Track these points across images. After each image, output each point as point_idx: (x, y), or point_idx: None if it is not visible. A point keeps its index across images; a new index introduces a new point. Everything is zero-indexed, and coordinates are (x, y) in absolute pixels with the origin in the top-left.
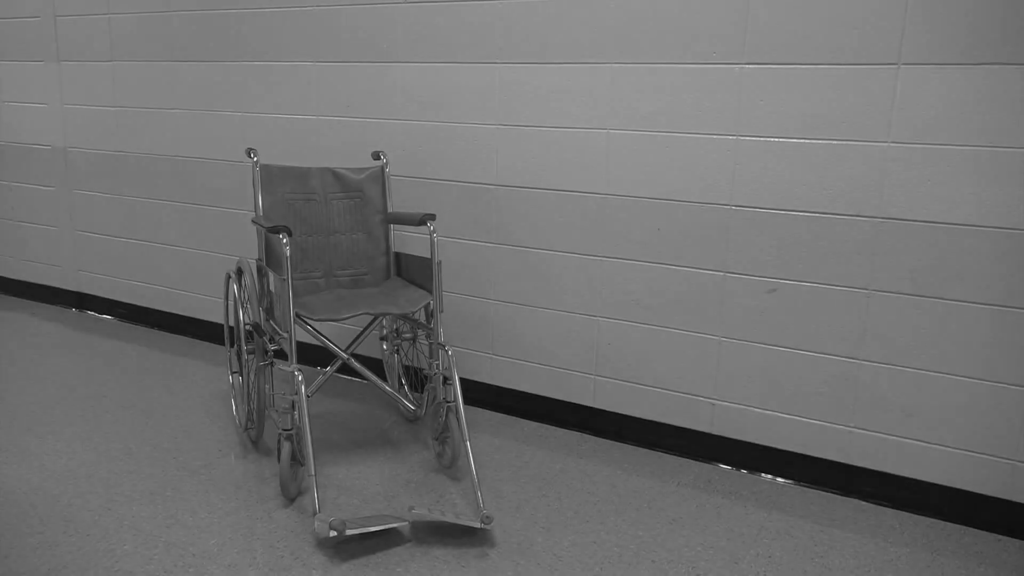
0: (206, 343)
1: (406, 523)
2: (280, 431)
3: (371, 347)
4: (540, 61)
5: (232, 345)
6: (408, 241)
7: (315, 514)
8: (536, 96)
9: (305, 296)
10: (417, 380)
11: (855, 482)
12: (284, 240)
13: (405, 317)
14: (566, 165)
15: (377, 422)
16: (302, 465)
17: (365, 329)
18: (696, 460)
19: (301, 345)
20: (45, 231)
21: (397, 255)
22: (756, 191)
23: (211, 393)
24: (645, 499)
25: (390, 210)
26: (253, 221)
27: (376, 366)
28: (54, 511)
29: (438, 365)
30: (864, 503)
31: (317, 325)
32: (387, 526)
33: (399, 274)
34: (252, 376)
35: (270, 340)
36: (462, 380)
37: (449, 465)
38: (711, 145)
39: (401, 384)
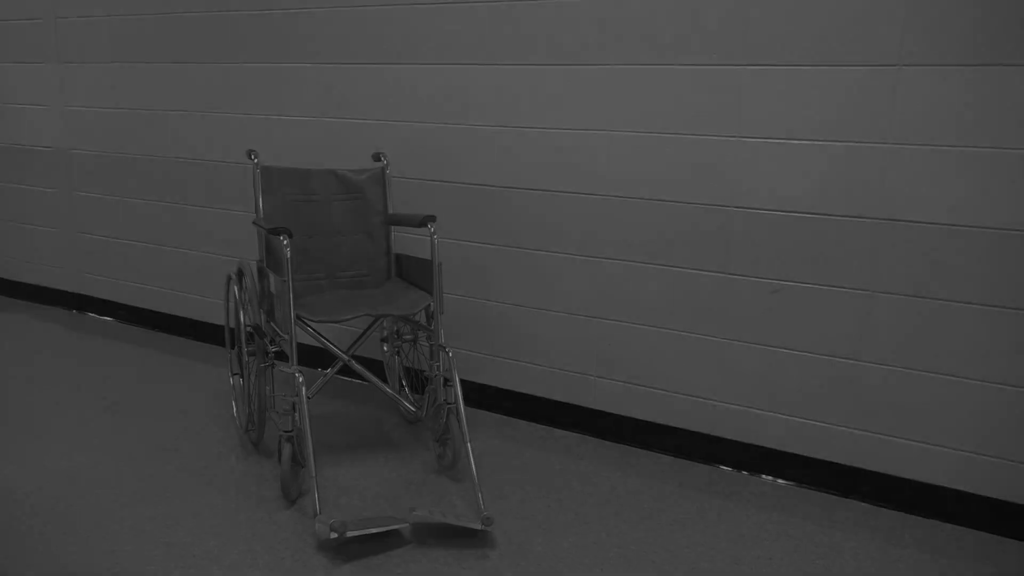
0: (207, 345)
1: (407, 525)
2: (281, 432)
3: (372, 349)
4: (540, 62)
5: (233, 347)
6: (409, 242)
7: (316, 515)
8: (536, 96)
9: (306, 297)
10: (418, 382)
11: (856, 483)
12: (285, 242)
13: (406, 319)
14: (566, 165)
15: (378, 424)
16: (303, 466)
17: (366, 331)
18: (697, 461)
19: (302, 347)
20: (46, 233)
21: (398, 256)
22: (757, 192)
23: (212, 394)
24: (645, 500)
25: (391, 211)
26: (254, 223)
27: (377, 368)
28: (55, 512)
29: (438, 367)
30: (865, 504)
31: (318, 327)
32: (388, 527)
33: (400, 275)
34: (253, 378)
35: (271, 342)
36: (462, 381)
37: (450, 467)
38: (711, 145)
39: (402, 386)
